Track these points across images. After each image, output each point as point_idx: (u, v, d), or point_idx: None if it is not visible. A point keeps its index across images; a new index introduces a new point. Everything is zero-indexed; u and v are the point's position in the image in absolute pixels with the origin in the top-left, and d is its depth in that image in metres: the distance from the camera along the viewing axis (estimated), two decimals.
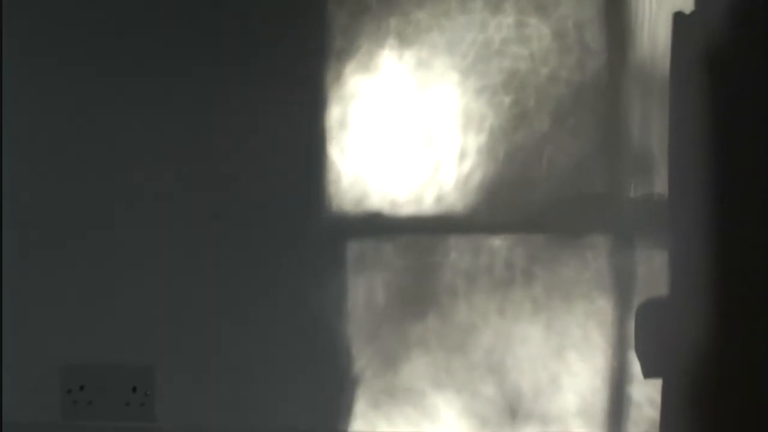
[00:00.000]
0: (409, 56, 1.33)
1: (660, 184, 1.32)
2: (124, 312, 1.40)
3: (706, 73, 1.31)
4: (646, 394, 1.34)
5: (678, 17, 1.31)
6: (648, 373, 1.35)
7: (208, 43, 1.36)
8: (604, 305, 1.33)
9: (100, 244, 1.40)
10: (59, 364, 1.41)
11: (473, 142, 1.33)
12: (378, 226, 1.34)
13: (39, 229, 1.41)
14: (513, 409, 1.35)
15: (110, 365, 1.39)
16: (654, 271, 1.32)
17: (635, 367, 1.34)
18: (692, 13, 1.31)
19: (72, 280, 1.41)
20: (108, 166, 1.39)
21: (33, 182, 1.41)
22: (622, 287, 1.33)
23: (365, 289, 1.35)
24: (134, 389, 1.37)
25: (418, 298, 1.35)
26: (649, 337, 1.34)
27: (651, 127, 1.32)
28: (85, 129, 1.39)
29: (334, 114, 1.34)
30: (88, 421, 1.41)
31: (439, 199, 1.34)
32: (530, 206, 1.33)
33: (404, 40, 1.32)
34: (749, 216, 1.31)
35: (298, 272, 1.36)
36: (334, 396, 1.37)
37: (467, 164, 1.33)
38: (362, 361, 1.36)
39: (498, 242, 1.33)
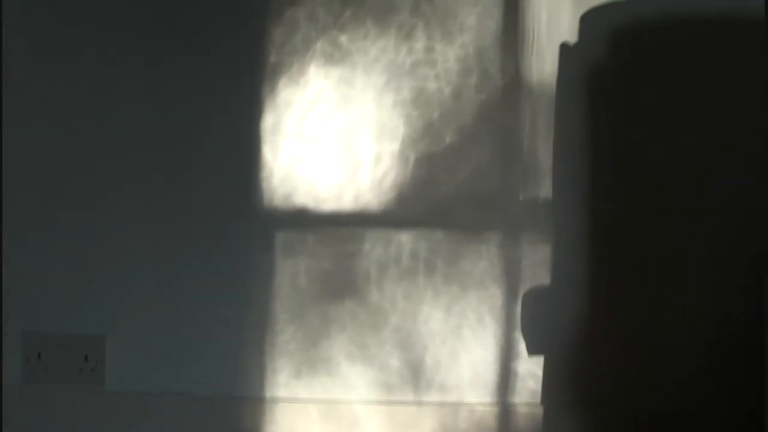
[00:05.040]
0: (334, 74, 1.53)
1: (545, 188, 1.53)
2: (78, 286, 1.55)
3: (585, 93, 1.53)
4: (529, 369, 1.54)
5: (564, 47, 1.53)
6: (531, 351, 1.55)
7: (165, 60, 1.53)
8: (495, 292, 1.53)
9: (68, 226, 1.54)
10: (21, 331, 1.54)
11: (387, 148, 1.54)
12: (303, 219, 1.54)
13: (10, 207, 1.54)
14: (416, 379, 1.55)
15: (65, 334, 1.55)
16: (538, 262, 1.53)
17: (521, 345, 1.54)
18: (576, 44, 1.53)
19: (39, 259, 1.54)
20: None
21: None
22: (510, 276, 1.53)
23: (291, 273, 1.54)
24: (86, 357, 1.55)
25: (337, 282, 1.55)
26: (533, 320, 1.54)
27: (539, 139, 1.53)
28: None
29: (268, 121, 1.54)
30: (44, 385, 1.56)
31: (356, 197, 1.54)
32: (433, 205, 1.53)
33: (329, 60, 1.53)
34: (618, 216, 1.53)
35: (234, 256, 1.53)
36: (264, 365, 1.55)
37: (381, 168, 1.54)
38: (287, 335, 1.55)
39: (405, 236, 1.54)
